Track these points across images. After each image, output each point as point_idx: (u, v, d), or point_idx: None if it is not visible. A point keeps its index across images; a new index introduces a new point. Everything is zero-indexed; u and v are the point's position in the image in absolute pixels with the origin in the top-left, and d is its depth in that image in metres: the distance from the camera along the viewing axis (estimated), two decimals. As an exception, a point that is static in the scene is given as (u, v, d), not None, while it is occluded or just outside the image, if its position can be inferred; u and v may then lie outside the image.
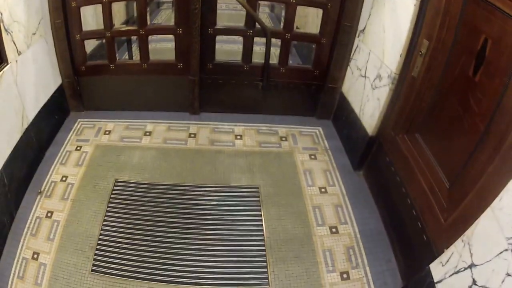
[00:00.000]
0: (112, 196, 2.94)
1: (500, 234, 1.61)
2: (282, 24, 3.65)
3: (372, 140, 3.16)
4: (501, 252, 1.58)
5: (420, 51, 2.50)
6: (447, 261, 1.96)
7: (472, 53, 2.07)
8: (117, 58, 3.71)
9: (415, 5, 2.52)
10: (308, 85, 3.87)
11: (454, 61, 2.26)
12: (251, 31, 3.53)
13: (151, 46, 3.61)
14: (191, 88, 3.74)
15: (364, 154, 3.28)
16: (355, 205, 3.06)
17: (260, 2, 3.52)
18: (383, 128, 3.03)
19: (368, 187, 3.23)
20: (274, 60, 3.78)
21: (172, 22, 3.50)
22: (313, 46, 3.75)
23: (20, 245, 2.59)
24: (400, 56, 2.71)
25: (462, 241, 1.87)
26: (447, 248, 2.00)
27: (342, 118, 3.74)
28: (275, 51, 3.70)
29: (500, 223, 1.62)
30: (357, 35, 3.42)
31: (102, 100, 3.84)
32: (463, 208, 2.00)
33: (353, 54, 3.50)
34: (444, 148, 2.36)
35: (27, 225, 2.72)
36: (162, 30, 3.78)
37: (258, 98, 3.89)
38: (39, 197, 2.92)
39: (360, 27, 3.37)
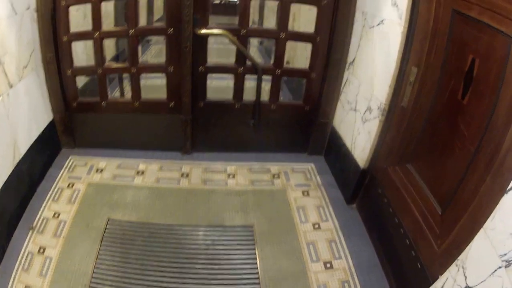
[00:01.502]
0: (106, 234, 2.89)
1: (493, 253, 1.61)
2: (272, 59, 3.67)
3: (364, 173, 3.15)
4: (495, 270, 1.58)
5: (409, 80, 2.50)
6: (442, 287, 1.95)
7: (460, 75, 2.10)
8: (109, 95, 3.70)
9: (402, 32, 2.55)
10: (299, 121, 3.88)
11: (443, 86, 2.28)
12: (242, 69, 3.56)
13: (142, 82, 3.62)
14: (183, 128, 3.74)
15: (356, 188, 3.27)
16: (349, 239, 3.03)
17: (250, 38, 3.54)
18: (374, 160, 3.03)
19: (362, 219, 3.20)
20: (264, 94, 3.79)
21: (163, 58, 3.52)
22: (303, 81, 3.76)
23: (11, 279, 2.52)
24: (389, 86, 2.73)
25: (456, 265, 1.86)
26: (441, 275, 2.00)
27: (333, 153, 3.75)
28: (265, 86, 3.72)
29: (493, 243, 1.63)
30: (346, 67, 3.46)
31: (94, 138, 3.82)
32: (456, 233, 1.99)
33: (343, 87, 3.54)
34: (435, 175, 2.36)
35: (18, 260, 2.66)
36: (153, 68, 3.76)
37: (249, 135, 3.89)
38: (31, 232, 2.86)
39: (350, 59, 3.41)
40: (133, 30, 3.33)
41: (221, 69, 3.71)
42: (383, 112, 2.83)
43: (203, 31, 3.30)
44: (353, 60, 3.34)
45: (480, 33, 1.94)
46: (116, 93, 4.59)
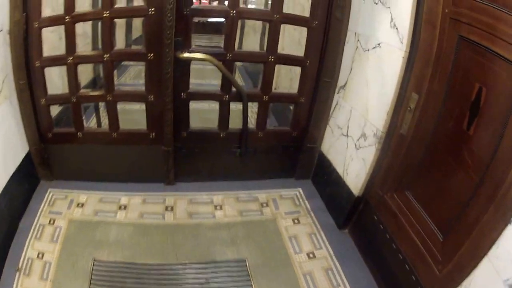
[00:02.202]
0: (93, 277, 2.68)
1: (498, 279, 1.63)
2: (259, 84, 3.53)
3: (358, 199, 3.06)
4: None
5: (409, 107, 2.43)
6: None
7: (465, 104, 2.03)
8: (85, 124, 3.49)
9: (403, 57, 2.46)
10: (287, 147, 3.76)
11: (446, 115, 2.21)
12: (227, 96, 3.40)
13: (119, 106, 3.42)
14: (165, 159, 3.54)
15: (349, 214, 3.17)
16: (345, 266, 2.94)
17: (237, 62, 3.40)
18: (369, 187, 2.95)
19: (356, 245, 3.12)
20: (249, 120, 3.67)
21: (142, 80, 3.32)
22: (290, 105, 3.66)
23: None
24: (387, 113, 2.64)
25: (459, 290, 1.81)
26: (444, 299, 1.95)
27: (322, 177, 3.64)
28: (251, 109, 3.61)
29: (498, 270, 1.64)
30: (336, 91, 3.37)
31: (72, 170, 3.58)
32: (458, 259, 1.98)
33: (333, 111, 3.44)
34: (435, 202, 2.31)
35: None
36: (131, 96, 3.55)
37: (235, 164, 3.74)
38: (18, 274, 2.66)
39: (340, 82, 3.32)
40: (108, 55, 3.12)
41: (204, 95, 3.58)
42: (380, 140, 2.74)
43: (186, 55, 3.11)
44: (345, 84, 3.25)
45: (488, 62, 1.88)
46: (93, 122, 4.35)
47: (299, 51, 3.42)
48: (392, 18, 2.58)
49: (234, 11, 3.11)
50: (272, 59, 3.31)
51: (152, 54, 3.13)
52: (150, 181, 3.67)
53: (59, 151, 3.49)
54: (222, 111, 3.50)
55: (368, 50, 2.87)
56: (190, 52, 3.14)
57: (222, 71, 3.23)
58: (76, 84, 3.24)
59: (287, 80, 4.04)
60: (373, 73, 2.83)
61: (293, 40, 3.68)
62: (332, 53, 3.28)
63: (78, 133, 3.42)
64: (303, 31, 3.36)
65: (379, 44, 2.74)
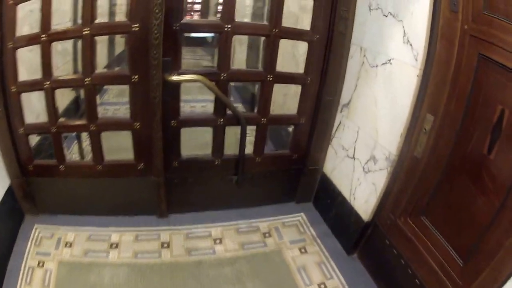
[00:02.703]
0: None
1: None
2: (256, 106, 3.26)
3: (367, 225, 2.87)
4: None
5: (424, 128, 2.27)
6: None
7: (486, 126, 1.92)
8: (67, 155, 3.16)
9: (418, 75, 2.27)
10: (286, 170, 3.52)
11: (464, 138, 2.07)
12: (222, 120, 3.12)
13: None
14: (156, 191, 3.24)
15: (358, 239, 2.99)
16: (359, 293, 2.75)
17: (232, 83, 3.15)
18: (379, 211, 2.76)
19: (367, 270, 2.95)
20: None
21: (126, 98, 2.99)
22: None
23: None
24: (400, 135, 2.45)
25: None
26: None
27: (326, 201, 3.42)
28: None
29: None
30: (339, 110, 3.14)
31: (58, 203, 3.26)
32: (479, 284, 1.95)
33: (335, 131, 3.22)
34: (454, 226, 2.20)
35: None
36: (116, 125, 3.18)
37: (232, 192, 3.46)
38: None
39: (344, 100, 3.09)
40: (89, 78, 2.81)
41: (197, 121, 3.29)
42: (392, 163, 2.54)
43: (176, 78, 2.78)
44: (349, 102, 3.02)
45: (511, 83, 1.79)
46: (76, 148, 4.04)
47: (294, 66, 3.27)
48: (405, 33, 2.37)
49: (229, 26, 2.81)
50: (271, 78, 3.05)
51: (136, 76, 2.81)
52: (141, 214, 3.36)
53: (42, 184, 3.18)
54: (216, 137, 3.21)
55: (377, 66, 2.65)
56: (180, 74, 2.83)
57: (216, 94, 2.94)
58: (55, 112, 2.93)
59: (280, 95, 3.78)
60: (383, 91, 2.61)
61: (286, 54, 3.45)
62: (335, 69, 3.04)
63: (60, 166, 3.11)
64: (297, 44, 3.19)
65: (389, 60, 2.53)
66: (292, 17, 3.70)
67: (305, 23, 3.13)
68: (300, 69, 3.20)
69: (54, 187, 3.21)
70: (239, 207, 3.54)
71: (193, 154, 3.35)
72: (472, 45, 1.96)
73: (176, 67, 2.84)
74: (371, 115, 2.74)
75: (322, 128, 3.26)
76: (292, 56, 3.65)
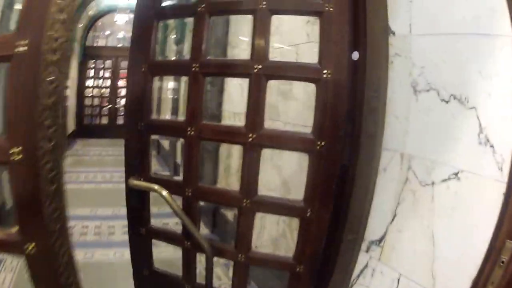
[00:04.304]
0: None
1: None
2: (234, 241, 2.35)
3: None
4: None
5: (501, 261, 1.51)
6: None
7: None
8: None
9: (504, 193, 1.40)
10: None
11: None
12: (188, 243, 2.36)
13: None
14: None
15: None
16: None
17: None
18: None
19: None
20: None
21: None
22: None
23: None
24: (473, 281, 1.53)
25: None
26: None
27: None
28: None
29: None
30: (364, 248, 2.08)
31: None
32: None
33: (358, 277, 2.12)
34: None
35: None
36: None
37: None
38: None
39: (372, 235, 2.04)
40: None
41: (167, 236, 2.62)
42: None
43: (136, 182, 2.31)
44: (382, 238, 1.97)
45: None
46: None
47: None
48: (481, 128, 1.50)
49: (193, 128, 2.23)
50: (248, 204, 2.16)
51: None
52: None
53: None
54: (186, 260, 2.47)
55: (433, 184, 1.68)
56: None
57: (173, 210, 2.26)
58: None
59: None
60: (445, 222, 1.68)
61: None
62: (358, 192, 2.00)
63: None
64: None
65: (456, 174, 1.59)
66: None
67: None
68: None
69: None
70: None
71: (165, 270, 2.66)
72: None
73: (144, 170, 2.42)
74: (424, 256, 1.75)
75: (337, 279, 2.13)
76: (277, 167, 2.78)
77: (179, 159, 7.41)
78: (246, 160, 2.14)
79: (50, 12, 1.43)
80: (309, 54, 2.71)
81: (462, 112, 1.56)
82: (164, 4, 2.35)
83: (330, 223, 2.06)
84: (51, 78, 1.47)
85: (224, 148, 4.43)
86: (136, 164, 2.36)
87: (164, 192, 2.22)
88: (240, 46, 4.40)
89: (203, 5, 2.14)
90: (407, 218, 1.80)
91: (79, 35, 11.28)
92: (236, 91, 4.40)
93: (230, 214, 4.55)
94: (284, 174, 3.06)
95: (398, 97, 1.87)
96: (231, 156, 4.61)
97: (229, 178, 4.67)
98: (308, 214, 2.07)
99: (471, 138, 1.51)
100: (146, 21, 2.28)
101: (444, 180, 1.61)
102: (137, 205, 2.43)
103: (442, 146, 1.64)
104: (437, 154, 1.66)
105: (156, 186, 2.24)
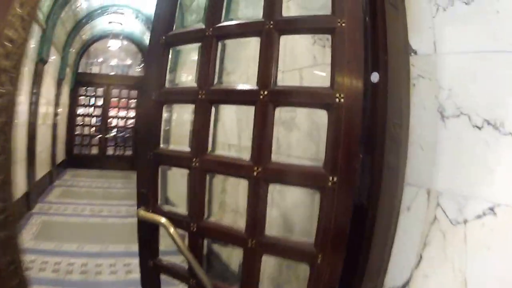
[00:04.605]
0: None
1: None
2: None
3: None
4: None
5: None
6: None
7: None
8: None
9: None
10: None
11: None
12: (193, 281, 2.13)
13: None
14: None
15: None
16: None
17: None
18: None
19: None
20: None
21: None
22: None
23: None
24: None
25: None
26: None
27: None
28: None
29: None
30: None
31: None
32: None
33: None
34: None
35: None
36: None
37: None
38: None
39: (394, 282, 1.82)
40: None
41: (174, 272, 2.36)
42: None
43: (143, 213, 2.23)
44: (405, 284, 1.75)
45: None
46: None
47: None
48: None
49: (198, 160, 2.11)
50: (253, 244, 1.93)
51: None
52: None
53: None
54: None
55: (465, 222, 1.49)
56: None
57: (178, 248, 2.09)
58: None
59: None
60: (479, 263, 1.48)
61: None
62: (378, 235, 1.78)
63: None
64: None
65: (492, 208, 1.42)
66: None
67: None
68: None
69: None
70: None
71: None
72: None
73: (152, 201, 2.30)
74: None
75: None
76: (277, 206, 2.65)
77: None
78: (251, 195, 1.93)
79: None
80: (316, 79, 2.63)
81: (498, 139, 1.41)
82: (173, 31, 2.27)
83: (345, 270, 1.83)
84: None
85: (218, 180, 4.19)
86: (146, 194, 2.26)
87: (171, 229, 2.07)
88: (236, 72, 4.26)
89: (210, 30, 2.07)
90: (435, 261, 1.60)
91: (71, 60, 11.05)
92: (231, 121, 4.22)
93: (225, 254, 4.32)
94: (284, 207, 2.88)
95: (423, 124, 1.71)
96: (226, 192, 4.37)
97: (224, 216, 4.43)
98: (319, 260, 1.83)
99: (508, 167, 1.37)
100: (157, 47, 2.24)
101: (479, 217, 1.44)
102: (147, 237, 2.32)
103: (475, 179, 1.47)
104: (469, 188, 1.49)
105: (163, 220, 2.11)
